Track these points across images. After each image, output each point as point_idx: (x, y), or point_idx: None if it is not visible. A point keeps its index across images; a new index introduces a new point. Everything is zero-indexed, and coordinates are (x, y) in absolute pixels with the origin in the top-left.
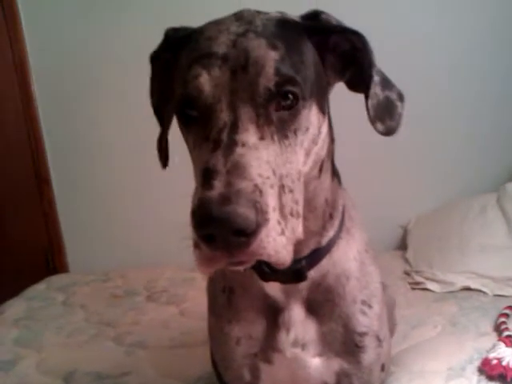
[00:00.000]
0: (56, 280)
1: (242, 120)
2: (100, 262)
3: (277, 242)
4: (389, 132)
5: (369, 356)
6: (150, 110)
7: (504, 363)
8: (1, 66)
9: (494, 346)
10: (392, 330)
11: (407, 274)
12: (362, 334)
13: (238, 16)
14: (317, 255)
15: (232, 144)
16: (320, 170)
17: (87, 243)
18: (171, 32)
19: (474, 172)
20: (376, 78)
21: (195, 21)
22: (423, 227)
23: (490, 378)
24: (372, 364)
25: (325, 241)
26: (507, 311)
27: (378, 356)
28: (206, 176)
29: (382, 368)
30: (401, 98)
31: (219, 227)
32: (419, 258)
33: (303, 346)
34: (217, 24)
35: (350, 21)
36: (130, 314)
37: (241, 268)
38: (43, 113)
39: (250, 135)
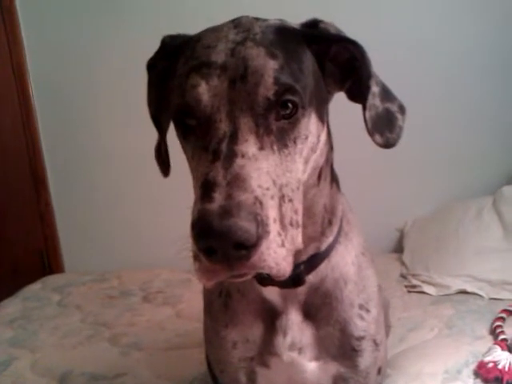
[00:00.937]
0: (52, 280)
1: (242, 130)
2: (96, 263)
3: (277, 253)
4: (388, 145)
5: (366, 360)
6: (148, 113)
7: (499, 366)
8: None
9: (489, 350)
10: (387, 332)
11: (403, 276)
12: (360, 338)
13: (237, 23)
14: (315, 260)
15: (232, 155)
16: (319, 178)
17: (83, 244)
18: (168, 39)
19: (471, 175)
20: (375, 89)
21: (193, 24)
22: (420, 230)
23: (486, 381)
24: (369, 367)
25: (324, 246)
26: (503, 315)
27: (374, 359)
28: (205, 188)
29: (379, 371)
30: (402, 110)
31: (220, 241)
32: (416, 260)
33: (300, 350)
34: (215, 31)
35: (348, 25)
36: (125, 314)
37: (241, 280)
38: (40, 114)
39: (249, 146)
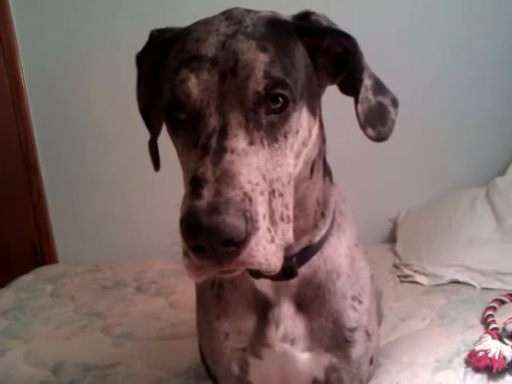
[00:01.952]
0: (45, 271)
1: (231, 125)
2: (89, 253)
3: (267, 249)
4: (380, 138)
5: (358, 350)
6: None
7: (490, 355)
8: None
9: (480, 339)
10: (379, 322)
11: (396, 267)
12: (352, 330)
13: (228, 15)
14: (308, 252)
15: (221, 151)
16: (311, 171)
17: (76, 234)
18: (156, 33)
19: (464, 166)
20: (368, 82)
21: (184, 16)
22: (412, 221)
23: (477, 369)
24: (361, 358)
25: (316, 239)
26: (494, 304)
27: (366, 350)
28: (194, 184)
29: (371, 361)
30: (394, 103)
31: (208, 237)
32: (408, 251)
33: (292, 341)
34: (205, 24)
35: (339, 15)
36: (119, 305)
37: (230, 276)
38: (32, 102)
39: (239, 141)
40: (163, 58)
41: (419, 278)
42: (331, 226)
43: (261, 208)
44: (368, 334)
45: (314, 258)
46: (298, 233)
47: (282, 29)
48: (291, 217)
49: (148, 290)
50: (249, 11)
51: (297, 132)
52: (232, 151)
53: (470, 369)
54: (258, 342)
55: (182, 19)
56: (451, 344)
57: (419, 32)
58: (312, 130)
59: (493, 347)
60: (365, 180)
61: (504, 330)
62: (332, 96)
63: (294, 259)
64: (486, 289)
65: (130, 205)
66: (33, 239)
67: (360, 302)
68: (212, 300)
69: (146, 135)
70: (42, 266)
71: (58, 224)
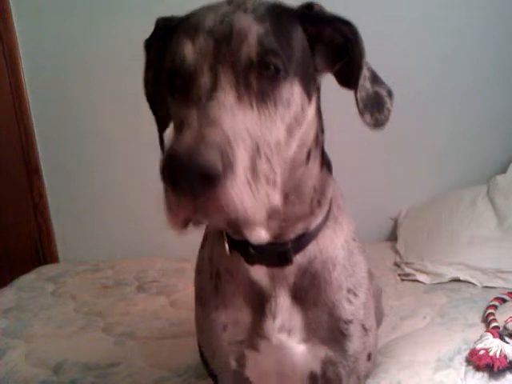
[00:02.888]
0: (46, 270)
1: (222, 82)
2: (90, 253)
3: (244, 197)
4: (377, 124)
5: (354, 344)
6: (143, 99)
7: (491, 353)
8: None
9: (481, 337)
10: (379, 320)
11: (397, 265)
12: (348, 322)
13: (230, 1)
14: (303, 240)
15: (208, 102)
16: (308, 158)
17: (77, 233)
18: (161, 21)
19: (465, 164)
20: (366, 72)
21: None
22: (414, 219)
23: (478, 368)
24: (358, 353)
25: (312, 226)
26: (495, 303)
27: (363, 345)
28: (179, 129)
29: (369, 357)
30: (390, 94)
31: (182, 166)
32: (409, 249)
33: (289, 332)
34: (208, 8)
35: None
36: (120, 304)
37: (212, 224)
38: (33, 103)
39: (227, 96)
40: (168, 44)
41: (420, 277)
42: (327, 218)
43: (240, 156)
44: (365, 329)
45: (310, 247)
46: (294, 219)
47: (282, 13)
48: (278, 183)
49: (149, 290)
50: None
51: (288, 104)
52: (219, 103)
53: (470, 367)
54: (255, 333)
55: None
56: (452, 342)
57: (422, 33)
58: (306, 111)
59: (494, 346)
60: (366, 178)
61: (505, 328)
62: (333, 96)
63: (290, 245)
64: (487, 287)
65: (131, 204)
66: (34, 238)
67: (355, 295)
68: (210, 292)
69: (146, 134)
70: (43, 265)
71: (59, 223)
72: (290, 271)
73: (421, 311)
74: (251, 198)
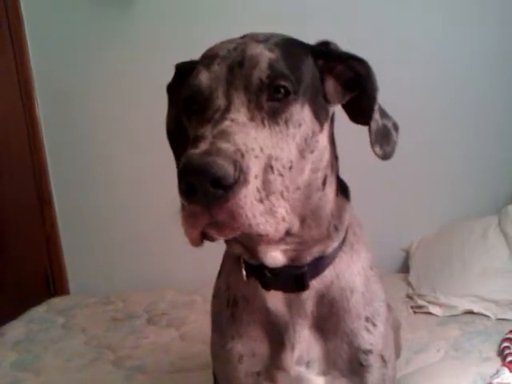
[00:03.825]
0: (56, 302)
1: (235, 104)
2: (101, 285)
3: (255, 206)
4: (385, 156)
5: (373, 376)
6: (157, 130)
7: None
8: (4, 87)
9: (497, 372)
10: (397, 354)
11: (410, 297)
12: (367, 352)
13: (244, 35)
14: (320, 264)
15: (222, 119)
16: (324, 183)
17: (88, 266)
18: (181, 65)
19: (476, 194)
20: (375, 106)
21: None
22: (425, 250)
23: None
24: None
25: (329, 250)
26: (511, 336)
27: (382, 377)
28: (193, 142)
29: None
30: (396, 127)
31: (198, 175)
32: (422, 281)
33: (308, 364)
34: (222, 42)
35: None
36: (130, 337)
37: (224, 235)
38: (46, 134)
39: (240, 115)
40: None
41: (433, 309)
42: (343, 243)
43: (253, 167)
44: (384, 361)
45: (326, 272)
46: (311, 242)
47: (293, 44)
48: (291, 198)
49: (159, 322)
50: (264, 33)
51: (299, 124)
52: (232, 120)
53: None
54: (273, 365)
55: (192, 52)
56: (467, 377)
57: (430, 58)
58: (317, 136)
59: (511, 381)
60: (377, 209)
61: None
62: (344, 129)
63: (306, 268)
64: (502, 319)
65: (142, 236)
66: (45, 270)
67: (374, 324)
68: (227, 321)
69: (158, 166)
70: (53, 296)
71: (71, 256)
72: (307, 297)
73: (434, 344)
74: (263, 209)
